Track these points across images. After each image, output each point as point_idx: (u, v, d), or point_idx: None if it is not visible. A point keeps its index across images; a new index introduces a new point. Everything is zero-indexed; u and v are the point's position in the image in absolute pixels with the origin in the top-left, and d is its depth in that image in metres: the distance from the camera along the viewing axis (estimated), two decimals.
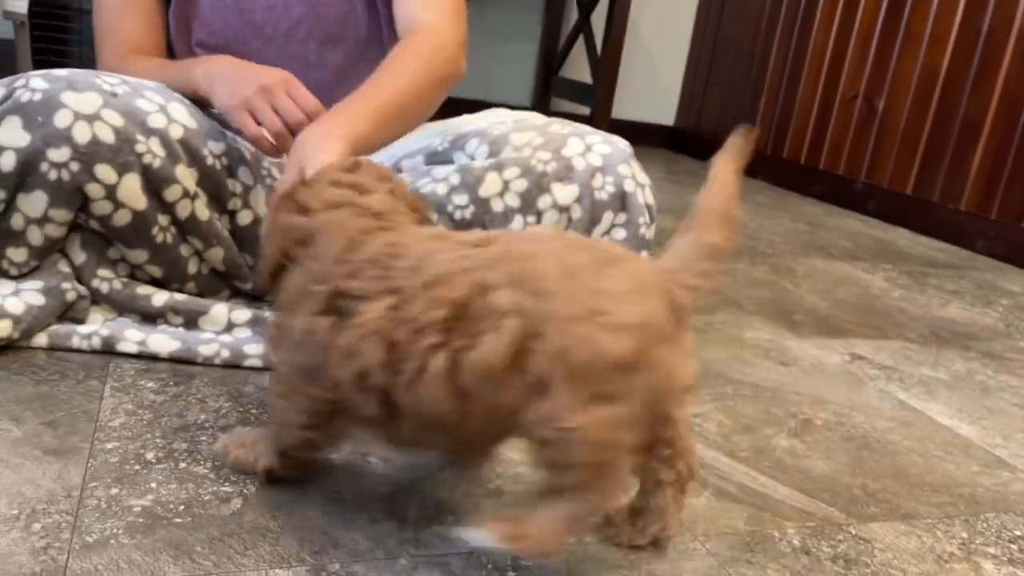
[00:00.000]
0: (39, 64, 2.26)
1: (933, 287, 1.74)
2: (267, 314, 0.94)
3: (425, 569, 0.61)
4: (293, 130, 0.87)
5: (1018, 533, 0.78)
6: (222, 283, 0.99)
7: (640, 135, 3.52)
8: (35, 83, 0.85)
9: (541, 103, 3.30)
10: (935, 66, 2.41)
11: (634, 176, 1.10)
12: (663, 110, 3.63)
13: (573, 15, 3.27)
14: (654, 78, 3.58)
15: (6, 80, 0.87)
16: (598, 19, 3.11)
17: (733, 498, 0.77)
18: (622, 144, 1.13)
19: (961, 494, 0.84)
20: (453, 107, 1.42)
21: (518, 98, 3.34)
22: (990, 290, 1.79)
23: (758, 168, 3.08)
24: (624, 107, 3.47)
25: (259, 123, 0.88)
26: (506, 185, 1.05)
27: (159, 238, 0.91)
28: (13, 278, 0.88)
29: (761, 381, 1.07)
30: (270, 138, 0.88)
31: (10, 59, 2.48)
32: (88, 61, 2.45)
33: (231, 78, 0.90)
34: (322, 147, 0.80)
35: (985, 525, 0.78)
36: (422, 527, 0.66)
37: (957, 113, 2.33)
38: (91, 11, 2.49)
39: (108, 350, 0.87)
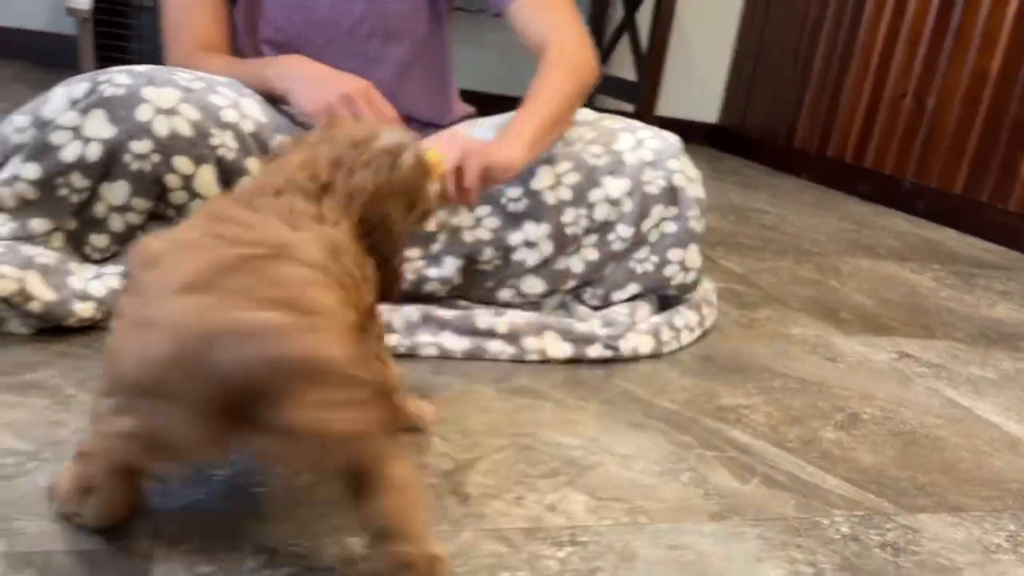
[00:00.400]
0: (101, 59, 2.34)
1: (981, 288, 1.73)
2: None
3: (488, 542, 0.64)
4: None
5: None
6: None
7: (683, 133, 3.50)
8: (118, 78, 0.90)
9: (585, 101, 3.31)
10: (986, 66, 2.38)
11: (684, 171, 1.12)
12: (706, 108, 3.62)
13: (618, 12, 3.28)
14: (698, 75, 3.58)
15: (90, 75, 0.92)
16: (643, 16, 3.12)
17: (782, 486, 0.79)
18: (673, 139, 1.15)
19: (1009, 489, 0.85)
20: (502, 103, 1.46)
21: None
22: None
23: (802, 166, 3.07)
24: (667, 104, 3.47)
25: None
26: (558, 179, 1.08)
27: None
28: (95, 262, 0.93)
29: (808, 376, 1.09)
30: None
31: (74, 55, 2.57)
32: (147, 56, 2.53)
33: (311, 82, 0.94)
34: (504, 144, 0.89)
35: None
36: (484, 503, 0.69)
37: (1008, 113, 2.30)
38: (150, 8, 2.57)
39: None
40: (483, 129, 1.18)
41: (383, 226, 0.70)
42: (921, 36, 2.62)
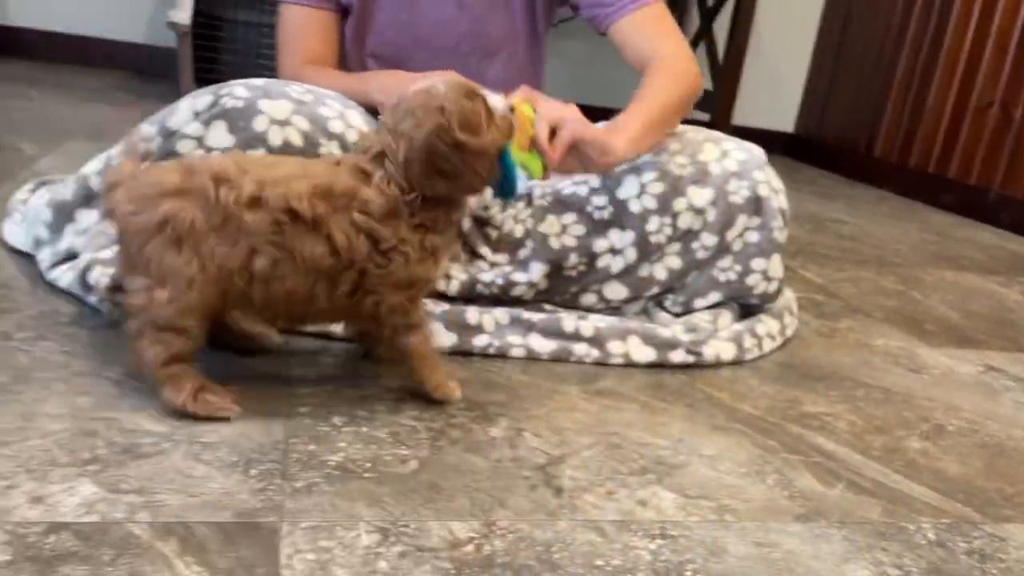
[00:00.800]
0: (198, 71, 2.47)
1: None
2: (425, 302, 1.03)
3: (583, 531, 0.68)
4: None
5: None
6: None
7: (758, 141, 3.48)
8: (238, 91, 0.97)
9: (689, 110, 3.32)
10: None
11: (769, 182, 1.14)
12: (782, 117, 3.59)
13: (695, 22, 3.28)
14: (774, 84, 3.55)
15: (213, 88, 0.99)
16: (720, 25, 3.11)
17: (867, 492, 0.81)
18: (757, 151, 1.17)
19: None
20: (583, 113, 1.49)
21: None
22: None
23: (882, 177, 3.02)
24: (743, 113, 3.45)
25: None
26: (643, 188, 1.11)
27: None
28: None
29: (892, 386, 1.09)
30: None
31: (171, 65, 2.71)
32: (237, 67, 2.66)
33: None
34: (608, 131, 0.92)
35: None
36: (576, 496, 0.73)
37: None
38: (243, 23, 2.69)
39: (290, 330, 0.98)
40: None
41: (447, 179, 0.79)
42: (1009, 44, 2.55)
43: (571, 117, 0.94)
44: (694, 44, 3.22)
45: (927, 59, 2.87)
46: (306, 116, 0.97)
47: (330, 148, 0.98)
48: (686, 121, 1.17)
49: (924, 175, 2.84)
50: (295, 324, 0.92)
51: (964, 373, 1.18)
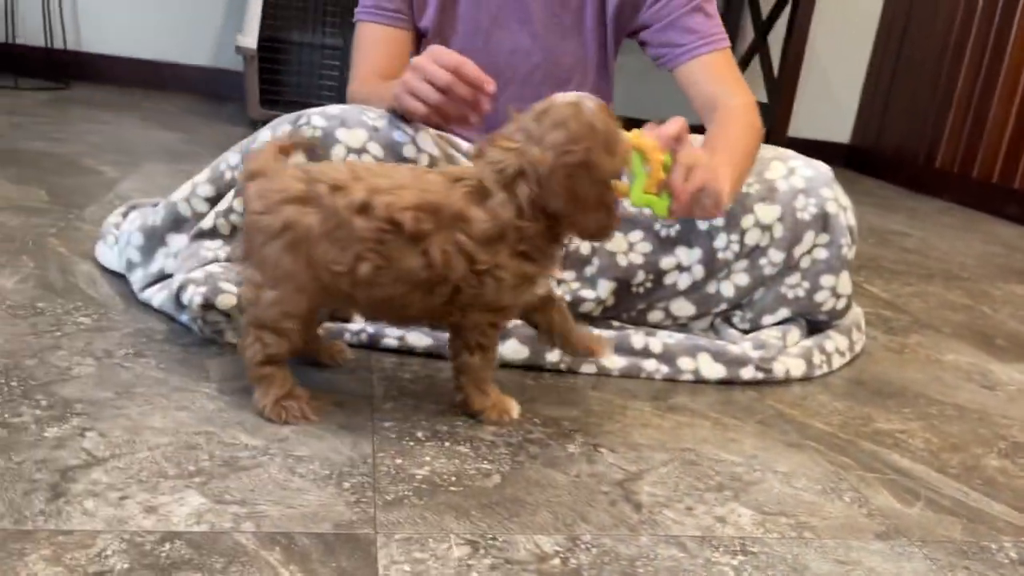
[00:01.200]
0: (263, 92, 2.55)
1: None
2: None
3: (665, 547, 0.69)
4: (449, 93, 0.93)
5: None
6: None
7: (814, 153, 3.45)
8: (316, 120, 1.01)
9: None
10: None
11: (836, 199, 1.14)
12: (839, 128, 3.55)
13: (748, 35, 3.27)
14: (830, 96, 3.51)
15: (291, 116, 1.04)
16: (775, 37, 3.10)
17: (947, 510, 0.81)
18: (824, 168, 1.17)
19: None
20: (624, 127, 1.51)
21: (690, 118, 3.37)
22: None
23: (944, 187, 2.96)
24: (799, 125, 3.42)
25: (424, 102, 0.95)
26: None
27: None
28: None
29: (965, 403, 1.08)
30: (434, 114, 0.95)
31: (237, 88, 2.81)
32: (302, 89, 2.73)
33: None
34: (720, 172, 0.92)
35: None
36: (656, 512, 0.74)
37: None
38: (308, 45, 2.77)
39: (373, 345, 1.01)
40: None
41: (575, 202, 0.79)
42: None
43: (704, 164, 0.92)
44: (748, 57, 3.21)
45: (988, 74, 2.82)
46: (380, 142, 1.01)
47: None
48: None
49: (988, 186, 2.78)
50: (392, 323, 0.95)
51: None
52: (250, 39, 2.47)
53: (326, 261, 0.77)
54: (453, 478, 0.76)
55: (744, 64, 3.23)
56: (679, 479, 0.81)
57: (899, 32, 3.31)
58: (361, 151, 1.00)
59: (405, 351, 1.02)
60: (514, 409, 0.88)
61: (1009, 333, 1.41)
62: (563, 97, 0.81)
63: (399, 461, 0.77)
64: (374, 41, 1.22)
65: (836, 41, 3.42)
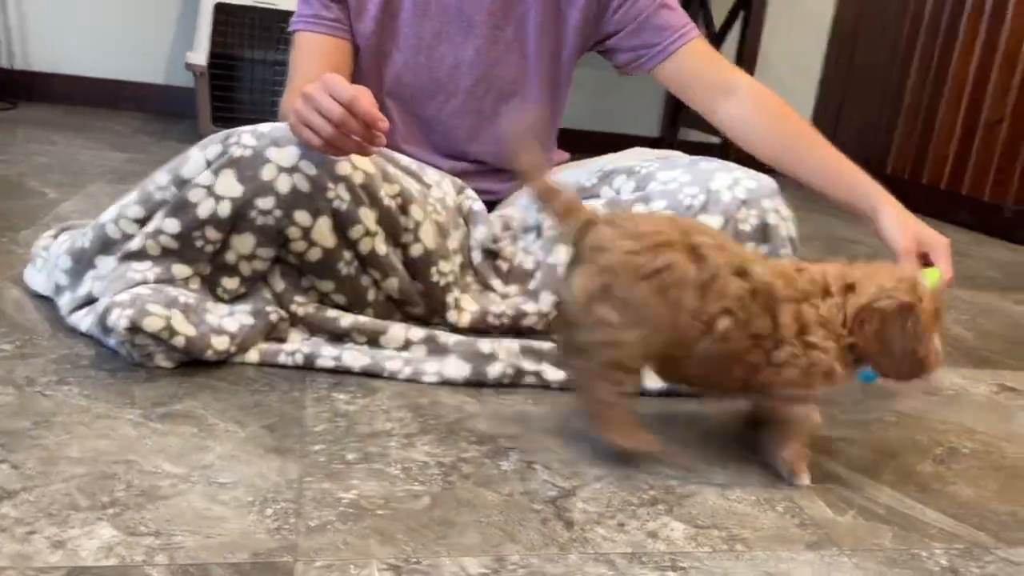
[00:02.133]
0: (215, 109, 2.52)
1: None
2: (439, 334, 1.05)
3: (594, 565, 0.68)
4: (342, 128, 0.90)
5: None
6: (395, 309, 1.10)
7: None
8: (245, 139, 0.99)
9: (669, 133, 3.35)
10: None
11: (778, 210, 1.15)
12: None
13: None
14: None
15: (221, 135, 1.02)
16: (728, 48, 3.14)
17: (880, 518, 0.81)
18: (767, 180, 1.18)
19: None
20: (585, 140, 1.51)
21: (647, 129, 3.40)
22: None
23: (896, 193, 3.00)
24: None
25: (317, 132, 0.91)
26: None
27: (344, 271, 1.04)
28: (226, 302, 1.03)
29: (905, 409, 1.09)
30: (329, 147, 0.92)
31: (190, 105, 2.77)
32: (255, 105, 2.71)
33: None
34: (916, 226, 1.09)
35: None
36: (587, 529, 0.73)
37: None
38: (259, 62, 2.74)
39: (308, 366, 1.00)
40: (584, 173, 1.24)
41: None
42: (1016, 61, 2.55)
43: (932, 241, 1.07)
44: None
45: (936, 78, 2.88)
46: (313, 161, 0.99)
47: (337, 191, 1.00)
48: (699, 147, 1.19)
49: (937, 191, 2.83)
50: (697, 387, 0.93)
51: (978, 394, 1.17)
52: (200, 56, 2.45)
53: (690, 311, 0.81)
54: (381, 501, 0.74)
55: None
56: (613, 494, 0.80)
57: (850, 42, 3.36)
58: (293, 170, 0.98)
59: (342, 371, 1.00)
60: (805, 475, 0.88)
61: (952, 338, 1.43)
62: (899, 272, 0.86)
63: (326, 485, 0.76)
64: (312, 51, 1.20)
65: (789, 52, 3.47)
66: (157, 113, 3.01)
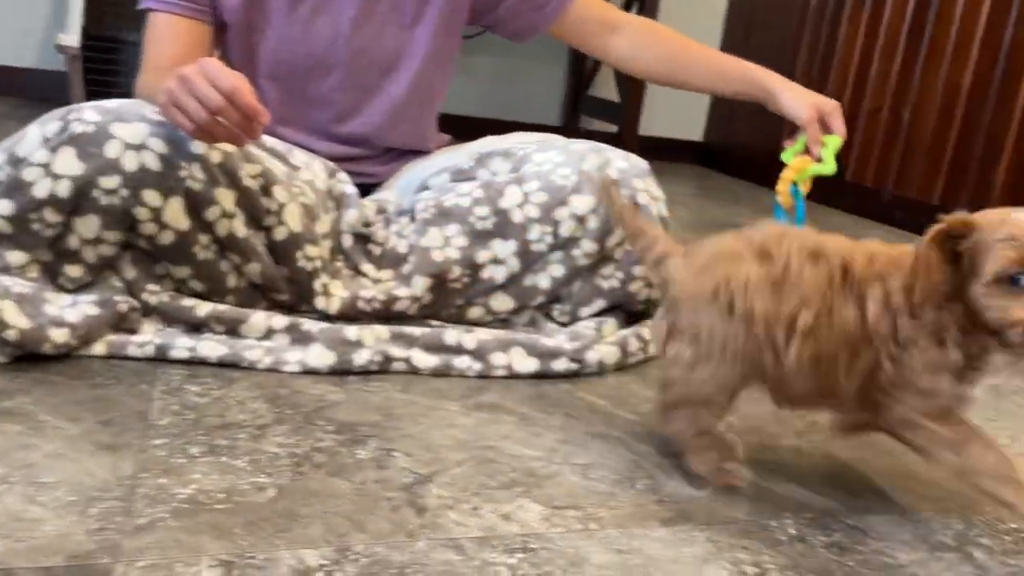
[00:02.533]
0: (91, 94, 2.39)
1: None
2: (303, 322, 1.01)
3: (441, 551, 0.66)
4: (218, 116, 0.87)
5: (1013, 526, 0.81)
6: (260, 296, 1.06)
7: (670, 152, 3.56)
8: (87, 115, 0.93)
9: (570, 121, 3.36)
10: (958, 79, 2.42)
11: (648, 190, 1.15)
12: (692, 126, 3.67)
13: None
14: (682, 95, 3.62)
15: (61, 111, 0.95)
16: None
17: (736, 492, 0.81)
18: (639, 161, 1.18)
19: (959, 490, 0.87)
20: (487, 128, 1.49)
21: (548, 117, 3.40)
22: None
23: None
24: (653, 124, 3.51)
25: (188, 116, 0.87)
26: (526, 197, 1.11)
27: (200, 255, 0.99)
28: (70, 292, 0.96)
29: None
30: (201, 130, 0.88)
31: (64, 90, 2.62)
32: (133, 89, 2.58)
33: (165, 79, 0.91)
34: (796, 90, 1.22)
35: (981, 518, 0.82)
36: (440, 514, 0.71)
37: (981, 124, 2.34)
38: (136, 44, 2.63)
39: (161, 357, 0.94)
40: (462, 155, 1.22)
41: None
42: (895, 51, 2.66)
43: (821, 105, 1.17)
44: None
45: (821, 68, 2.98)
46: (163, 138, 0.94)
47: (191, 170, 0.95)
48: (599, 135, 1.20)
49: (823, 179, 2.92)
50: (804, 406, 0.84)
51: None
52: (72, 37, 2.31)
53: (765, 313, 0.73)
54: (222, 495, 0.70)
55: (596, 63, 3.28)
56: (471, 478, 0.78)
57: (743, 31, 3.45)
58: (140, 147, 0.93)
59: (197, 362, 0.95)
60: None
61: None
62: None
63: (162, 481, 0.71)
64: (168, 34, 1.14)
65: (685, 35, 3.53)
66: (30, 98, 2.83)
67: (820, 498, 0.82)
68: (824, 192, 2.88)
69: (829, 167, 1.16)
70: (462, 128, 1.35)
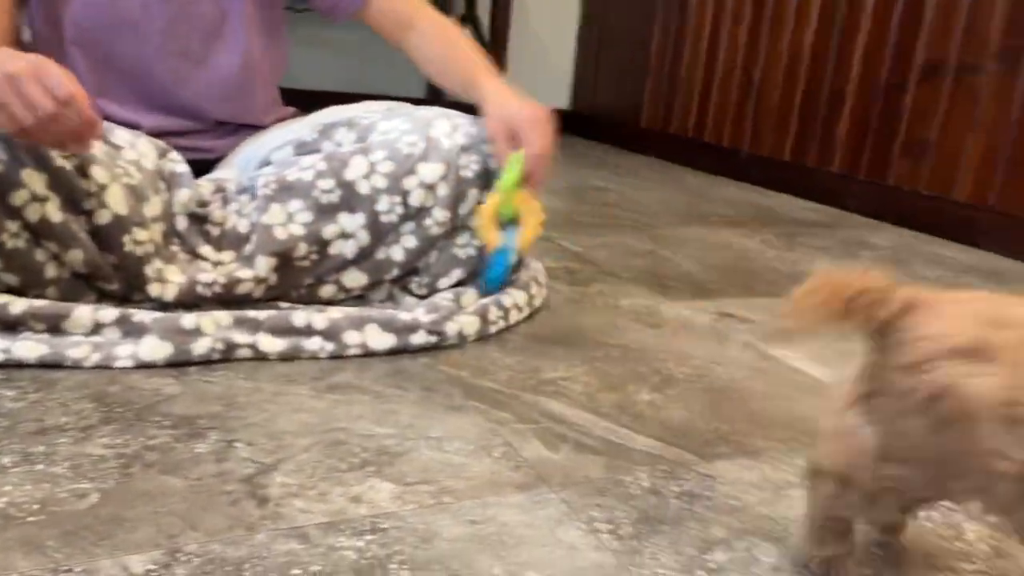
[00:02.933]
0: None
1: (803, 245, 1.84)
2: (135, 312, 0.93)
3: (284, 541, 0.63)
4: (47, 123, 0.81)
5: None
6: (86, 287, 0.98)
7: None
8: None
9: (436, 94, 3.31)
10: (801, 41, 2.53)
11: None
12: (557, 94, 3.69)
13: (458, 6, 3.28)
14: (546, 64, 3.63)
15: None
16: (483, 8, 3.14)
17: (592, 451, 0.81)
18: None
19: (805, 429, 0.90)
20: (348, 101, 1.44)
21: (414, 91, 3.34)
22: (856, 245, 1.90)
23: (649, 145, 3.17)
24: (520, 93, 3.51)
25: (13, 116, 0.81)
26: (372, 167, 1.07)
27: (9, 244, 0.90)
28: None
29: (630, 343, 1.12)
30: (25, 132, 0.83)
31: None
32: None
33: None
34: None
35: None
36: (283, 503, 0.68)
37: (824, 83, 2.45)
38: None
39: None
40: (305, 127, 1.16)
41: None
42: (743, 15, 2.75)
43: (520, 119, 1.11)
44: None
45: (677, 33, 3.05)
46: None
47: None
48: (465, 108, 1.17)
49: (684, 140, 3.01)
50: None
51: (699, 323, 1.24)
52: None
53: (993, 450, 0.52)
54: (36, 506, 0.64)
55: None
56: (318, 463, 0.74)
57: (602, 3, 3.48)
58: None
59: (13, 365, 0.87)
60: None
61: (681, 274, 1.51)
62: None
63: None
64: None
65: (545, 11, 3.54)
66: None
67: (674, 449, 0.83)
68: (686, 155, 2.97)
69: (504, 187, 1.05)
70: (326, 103, 1.29)
